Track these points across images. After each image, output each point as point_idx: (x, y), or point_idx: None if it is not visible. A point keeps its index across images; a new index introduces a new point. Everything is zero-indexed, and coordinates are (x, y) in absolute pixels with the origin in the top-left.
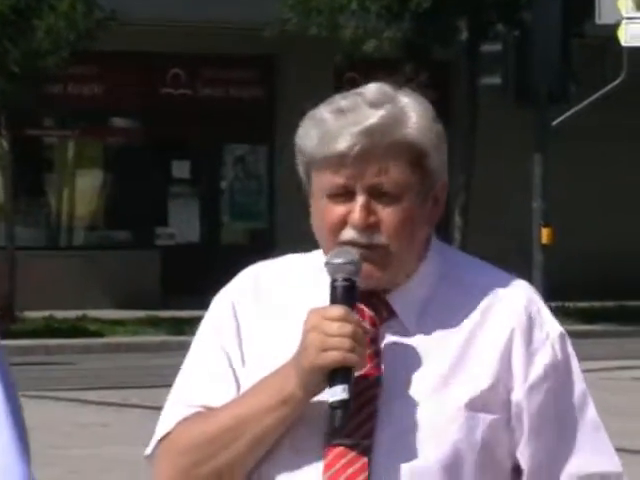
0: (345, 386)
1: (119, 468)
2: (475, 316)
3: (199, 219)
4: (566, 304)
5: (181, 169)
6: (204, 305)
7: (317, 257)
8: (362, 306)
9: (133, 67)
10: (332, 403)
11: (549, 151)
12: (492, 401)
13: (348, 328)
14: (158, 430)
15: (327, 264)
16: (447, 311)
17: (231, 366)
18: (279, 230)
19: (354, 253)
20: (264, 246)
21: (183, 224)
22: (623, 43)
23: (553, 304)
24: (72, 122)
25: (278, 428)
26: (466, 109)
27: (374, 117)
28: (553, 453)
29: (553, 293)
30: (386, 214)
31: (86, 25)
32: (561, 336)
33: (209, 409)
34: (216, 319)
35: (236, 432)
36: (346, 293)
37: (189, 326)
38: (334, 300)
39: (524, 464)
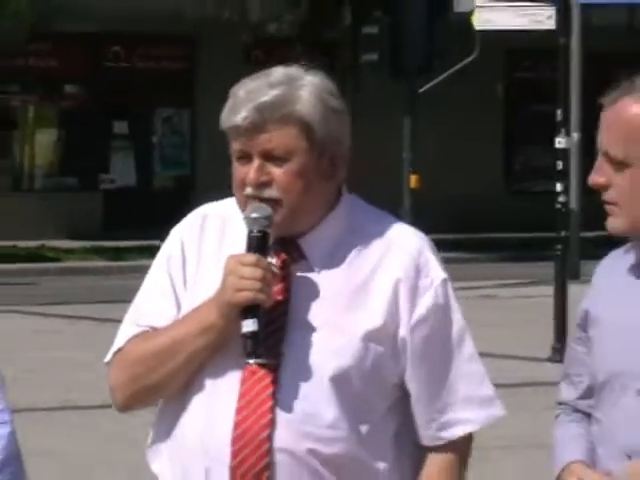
0: (255, 320)
1: (70, 368)
2: (373, 261)
3: (135, 168)
4: (429, 237)
5: (120, 127)
6: (138, 237)
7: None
8: (279, 250)
9: (82, 45)
10: (244, 333)
11: (416, 113)
12: (382, 335)
13: (259, 272)
14: (115, 343)
15: (245, 218)
16: (350, 255)
17: (175, 292)
18: (198, 177)
19: (267, 209)
20: (186, 190)
21: (122, 171)
22: (476, 27)
23: None
24: (32, 89)
25: (205, 350)
26: (348, 81)
27: (267, 96)
28: (433, 381)
29: (420, 228)
30: (277, 173)
31: (45, 11)
32: (444, 281)
33: (153, 329)
34: (167, 251)
35: (171, 352)
36: (259, 242)
37: (126, 253)
38: (249, 249)
39: (410, 389)
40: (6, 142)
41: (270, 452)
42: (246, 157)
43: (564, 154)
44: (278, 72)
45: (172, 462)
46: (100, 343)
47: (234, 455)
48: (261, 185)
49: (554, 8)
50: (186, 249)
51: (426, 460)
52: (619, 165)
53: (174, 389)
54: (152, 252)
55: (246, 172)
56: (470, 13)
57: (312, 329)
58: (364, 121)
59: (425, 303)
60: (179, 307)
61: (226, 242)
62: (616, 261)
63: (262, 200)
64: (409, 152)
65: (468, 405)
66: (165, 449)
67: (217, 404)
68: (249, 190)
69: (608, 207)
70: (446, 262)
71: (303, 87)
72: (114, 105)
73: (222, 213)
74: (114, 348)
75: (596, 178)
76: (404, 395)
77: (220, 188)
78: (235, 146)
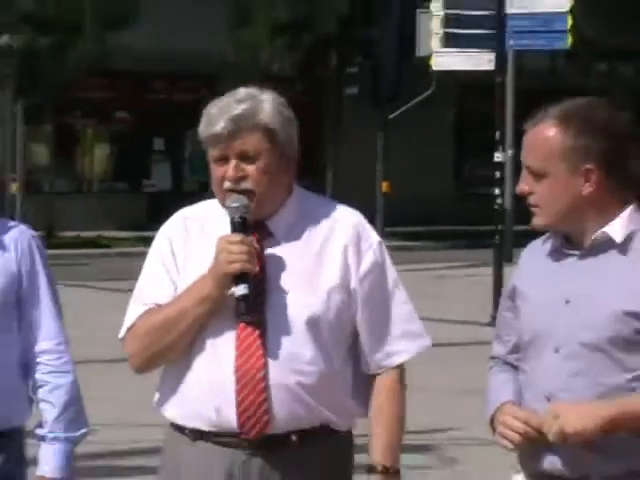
0: (245, 285)
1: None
2: (324, 234)
3: (170, 175)
4: (397, 229)
5: (159, 144)
6: None
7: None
8: (252, 230)
9: (129, 80)
10: (238, 297)
11: (388, 134)
12: (339, 289)
13: (244, 248)
14: (126, 321)
15: (227, 208)
16: (306, 231)
17: (170, 277)
18: None
19: (244, 199)
20: (207, 191)
21: (160, 178)
22: (433, 68)
23: (389, 229)
24: (91, 115)
25: (204, 316)
26: (335, 109)
27: (238, 109)
28: (376, 321)
29: (390, 223)
30: (250, 170)
31: (100, 54)
32: (379, 243)
33: (157, 305)
34: (158, 247)
35: (176, 321)
36: (241, 226)
37: None
38: (233, 231)
39: (360, 331)
40: (71, 155)
41: (266, 388)
42: (223, 159)
43: (501, 166)
44: (241, 91)
45: (182, 408)
46: None
47: (238, 393)
48: (238, 179)
49: (493, 54)
50: (174, 244)
51: (375, 384)
52: (538, 176)
53: (180, 350)
54: None
55: (225, 170)
56: (429, 57)
57: (286, 291)
58: (347, 140)
59: (368, 261)
60: (175, 288)
61: (206, 236)
62: (537, 248)
63: (239, 192)
64: (381, 164)
65: (403, 339)
66: (175, 401)
67: (219, 356)
68: (228, 184)
69: (532, 209)
70: (408, 249)
71: (264, 101)
72: (154, 127)
73: (199, 214)
74: (126, 325)
75: (522, 187)
76: (356, 340)
77: None
78: (214, 152)
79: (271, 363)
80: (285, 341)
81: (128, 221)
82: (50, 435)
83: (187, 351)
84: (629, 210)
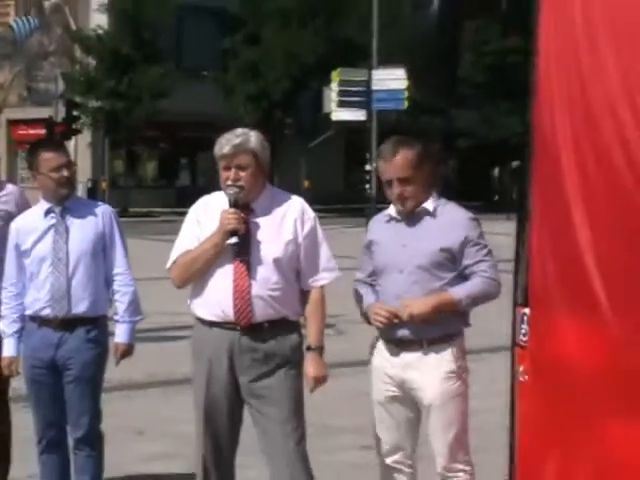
0: (236, 238)
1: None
2: (284, 211)
3: (189, 178)
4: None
5: (183, 161)
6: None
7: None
8: (241, 208)
9: (171, 127)
10: (232, 244)
11: (308, 155)
12: (291, 242)
13: (236, 216)
14: (171, 258)
15: (227, 194)
16: (273, 209)
17: (194, 235)
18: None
19: (236, 189)
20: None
21: (183, 179)
22: (332, 118)
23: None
24: (146, 145)
25: (215, 256)
26: (279, 141)
27: (237, 140)
28: (310, 260)
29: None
30: (243, 175)
31: (152, 111)
32: (315, 217)
33: (189, 250)
34: (190, 218)
35: (199, 258)
36: (235, 204)
37: None
38: (230, 207)
39: (301, 265)
40: (135, 167)
41: (250, 297)
42: (228, 168)
43: (369, 173)
44: (239, 130)
45: (204, 309)
46: None
47: (234, 300)
48: (236, 180)
49: (365, 111)
50: (199, 217)
51: (308, 296)
52: (407, 181)
53: (201, 275)
54: None
55: (228, 175)
56: (330, 112)
57: (261, 242)
58: (286, 158)
59: (307, 227)
60: (198, 241)
61: (212, 212)
62: (379, 218)
63: (239, 188)
64: (304, 171)
65: (324, 271)
66: (199, 305)
67: (223, 279)
68: (230, 182)
69: (404, 199)
70: (321, 218)
71: (252, 136)
72: (181, 151)
73: (211, 201)
74: (171, 261)
75: (398, 190)
76: (299, 271)
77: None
78: (222, 164)
79: (253, 283)
80: (261, 270)
81: (166, 203)
82: (122, 319)
83: (205, 276)
84: (434, 194)
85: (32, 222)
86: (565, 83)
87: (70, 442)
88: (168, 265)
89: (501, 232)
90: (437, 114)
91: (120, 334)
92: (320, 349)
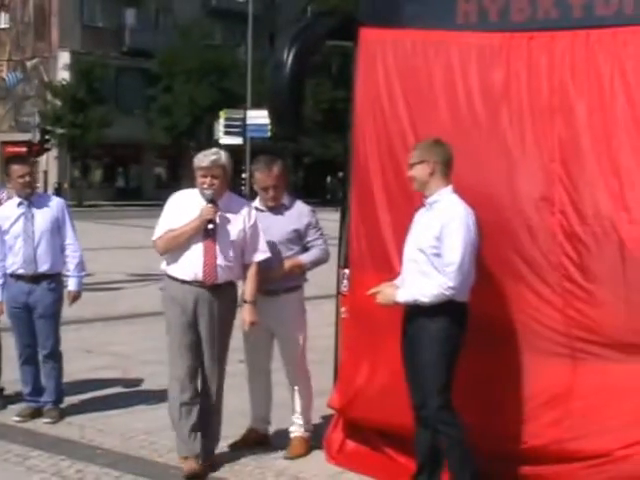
0: (212, 224)
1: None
2: (239, 208)
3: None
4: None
5: (121, 172)
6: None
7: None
8: (214, 204)
9: (108, 148)
10: (209, 228)
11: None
12: (242, 230)
13: (215, 209)
14: (156, 234)
15: (204, 194)
16: (231, 206)
17: (174, 217)
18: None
19: (211, 191)
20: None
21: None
22: (220, 143)
23: None
24: (95, 159)
25: (193, 235)
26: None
27: (213, 157)
28: (251, 244)
29: None
30: (216, 182)
31: (99, 139)
32: (255, 214)
33: (171, 229)
34: (169, 205)
35: (181, 236)
36: (211, 201)
37: None
38: (208, 202)
39: (245, 246)
40: (87, 171)
41: (215, 266)
42: (205, 176)
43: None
44: (214, 149)
45: (178, 270)
46: None
47: (204, 267)
48: (210, 185)
49: (241, 138)
50: (175, 204)
51: (249, 267)
52: (276, 187)
53: (180, 247)
54: None
55: (205, 181)
56: (219, 138)
57: (223, 228)
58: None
59: (252, 221)
60: (176, 221)
61: (185, 201)
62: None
63: (210, 189)
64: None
65: (260, 251)
66: (175, 267)
67: (197, 251)
68: (206, 186)
69: (274, 199)
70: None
71: (222, 154)
72: (120, 164)
73: (185, 193)
74: (157, 235)
75: (272, 195)
76: (243, 252)
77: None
78: (201, 172)
79: (218, 256)
80: (222, 247)
81: (108, 198)
82: (72, 274)
83: (183, 247)
84: (286, 194)
85: (9, 211)
86: (372, 121)
87: (40, 357)
88: (154, 238)
89: (331, 219)
90: (290, 140)
91: (71, 284)
92: (253, 302)
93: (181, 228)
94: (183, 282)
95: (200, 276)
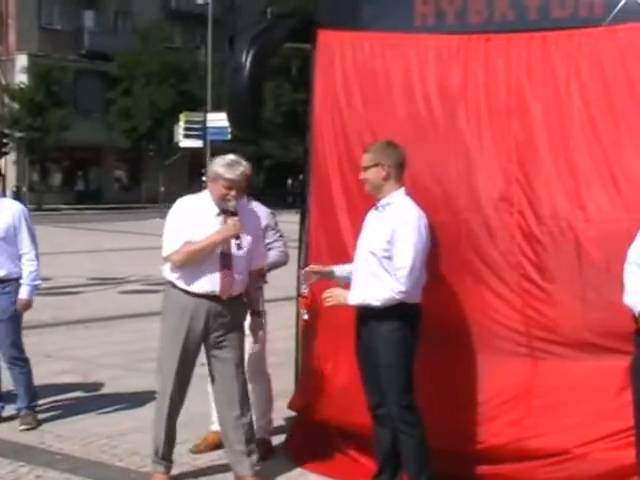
0: (239, 241)
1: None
2: (251, 214)
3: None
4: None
5: (80, 175)
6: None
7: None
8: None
9: (66, 150)
10: (234, 242)
11: (165, 171)
12: (257, 238)
13: (240, 224)
14: (168, 249)
15: (226, 205)
16: (245, 216)
17: (182, 229)
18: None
19: (234, 202)
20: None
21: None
22: (180, 145)
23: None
24: (55, 161)
25: (211, 251)
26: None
27: (241, 168)
28: (256, 251)
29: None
30: (239, 193)
31: (59, 141)
32: (262, 212)
33: (188, 242)
34: (179, 214)
35: (200, 252)
36: (232, 214)
37: None
38: (231, 215)
39: (253, 254)
40: (47, 173)
41: (233, 278)
42: (230, 188)
43: (204, 181)
44: (234, 157)
45: (194, 285)
46: None
47: (222, 284)
48: (233, 197)
49: (202, 141)
50: (190, 212)
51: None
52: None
53: (198, 262)
54: None
55: (230, 192)
56: (179, 141)
57: (244, 239)
58: (148, 173)
59: (261, 225)
60: (193, 235)
61: (206, 212)
62: None
63: (233, 201)
64: (161, 181)
65: (263, 255)
66: (191, 280)
67: (213, 266)
68: (230, 197)
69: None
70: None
71: (246, 164)
72: (79, 166)
73: (198, 200)
74: (171, 250)
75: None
76: (251, 259)
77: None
78: (225, 184)
79: (234, 268)
80: (239, 260)
81: (67, 202)
82: (24, 283)
83: (201, 261)
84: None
85: None
86: (331, 123)
87: (4, 364)
88: (167, 253)
89: (291, 221)
90: (250, 143)
91: (22, 292)
92: (259, 313)
93: (202, 243)
94: (195, 295)
95: (217, 290)
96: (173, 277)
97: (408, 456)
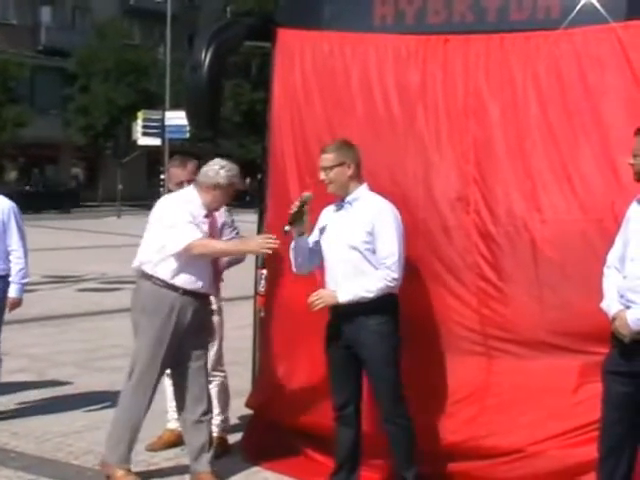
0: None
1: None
2: (220, 215)
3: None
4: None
5: (36, 173)
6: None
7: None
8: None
9: (22, 146)
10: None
11: (122, 169)
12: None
13: (271, 242)
14: (183, 242)
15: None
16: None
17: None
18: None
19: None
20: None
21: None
22: (138, 143)
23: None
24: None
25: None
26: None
27: (234, 171)
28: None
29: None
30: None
31: (14, 138)
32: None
33: (212, 240)
34: (184, 213)
35: (224, 253)
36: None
37: None
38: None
39: None
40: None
41: (218, 278)
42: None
43: (163, 179)
44: (233, 167)
45: (188, 282)
46: None
47: (212, 280)
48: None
49: (160, 139)
50: (192, 212)
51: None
52: (217, 189)
53: (209, 259)
54: None
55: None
56: (137, 139)
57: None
58: (105, 171)
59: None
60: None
61: (195, 212)
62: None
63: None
64: (119, 179)
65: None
66: (186, 278)
67: (204, 264)
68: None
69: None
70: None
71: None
72: (37, 164)
73: (187, 198)
74: (188, 242)
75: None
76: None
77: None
78: (227, 189)
79: (219, 266)
80: (222, 260)
81: None
82: (14, 280)
83: (194, 260)
84: None
85: None
86: (289, 122)
87: None
88: (184, 245)
89: (250, 221)
90: (209, 141)
91: (11, 291)
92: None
93: (231, 247)
94: (185, 292)
95: (207, 287)
96: (163, 275)
97: (401, 448)
